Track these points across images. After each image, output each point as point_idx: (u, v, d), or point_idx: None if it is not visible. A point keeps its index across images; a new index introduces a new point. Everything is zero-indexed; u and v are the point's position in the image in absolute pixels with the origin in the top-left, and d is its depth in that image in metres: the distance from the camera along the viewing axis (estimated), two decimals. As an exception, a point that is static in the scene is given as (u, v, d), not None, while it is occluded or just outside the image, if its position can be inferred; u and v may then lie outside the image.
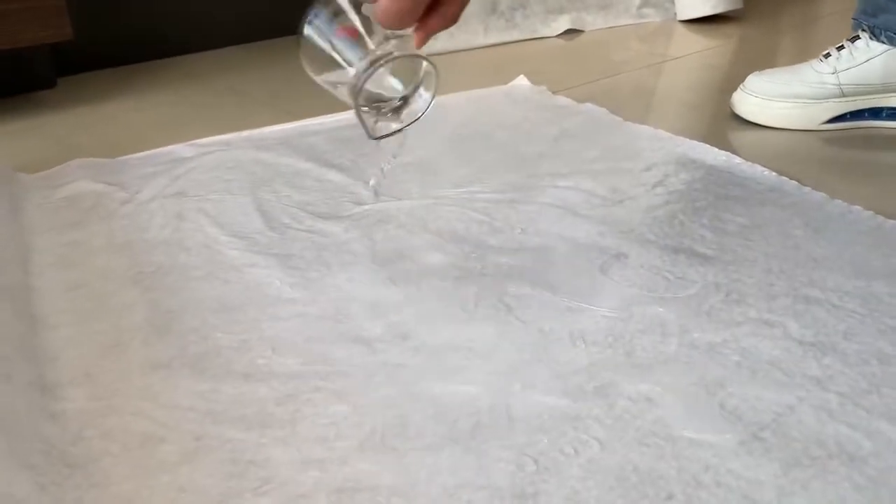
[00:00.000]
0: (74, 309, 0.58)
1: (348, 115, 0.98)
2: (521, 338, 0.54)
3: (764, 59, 1.01)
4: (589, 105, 1.00)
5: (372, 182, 0.79)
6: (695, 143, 0.86)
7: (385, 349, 0.53)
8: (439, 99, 1.00)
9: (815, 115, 0.95)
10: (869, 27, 0.93)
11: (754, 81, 0.98)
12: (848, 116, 0.95)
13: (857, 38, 0.94)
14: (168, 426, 0.46)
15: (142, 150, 0.88)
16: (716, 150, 0.84)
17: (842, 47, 0.95)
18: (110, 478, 0.43)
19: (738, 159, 0.82)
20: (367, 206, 0.74)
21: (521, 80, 1.11)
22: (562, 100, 1.03)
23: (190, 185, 0.79)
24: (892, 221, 0.68)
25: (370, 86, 0.50)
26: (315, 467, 0.43)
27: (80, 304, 0.59)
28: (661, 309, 0.56)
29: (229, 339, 0.55)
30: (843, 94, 0.94)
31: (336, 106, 1.00)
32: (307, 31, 0.51)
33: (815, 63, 0.96)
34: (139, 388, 0.50)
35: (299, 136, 0.92)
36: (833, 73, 0.94)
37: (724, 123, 0.99)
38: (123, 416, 0.47)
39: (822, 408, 0.46)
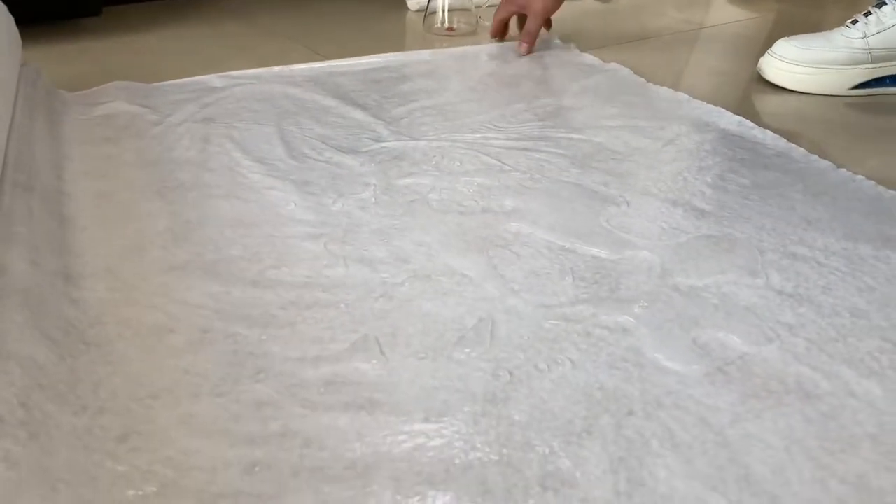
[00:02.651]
0: (102, 214, 0.63)
1: (377, 59, 1.01)
2: (512, 270, 0.57)
3: (800, 32, 1.01)
4: (614, 64, 1.02)
5: None
6: (711, 106, 0.88)
7: (385, 269, 0.57)
8: (467, 49, 1.04)
9: (844, 81, 0.96)
10: None
11: (783, 46, 0.99)
12: (872, 83, 0.96)
13: (884, 3, 0.95)
14: (178, 319, 0.50)
15: (177, 79, 0.92)
16: (730, 114, 0.85)
17: (868, 13, 0.96)
18: (122, 358, 0.47)
19: (750, 124, 0.83)
20: (384, 144, 0.77)
21: (552, 37, 1.13)
22: (589, 58, 1.05)
23: (219, 112, 0.83)
24: (892, 192, 0.69)
25: None
26: (309, 363, 0.47)
27: (107, 209, 0.63)
28: (650, 254, 0.59)
29: (242, 251, 0.58)
30: (872, 60, 0.95)
31: (366, 50, 1.03)
32: None
33: (843, 29, 0.97)
34: (155, 285, 0.54)
35: (328, 76, 0.95)
36: (863, 38, 0.95)
37: (750, 88, 1.00)
38: (138, 308, 0.51)
39: (788, 350, 0.49)
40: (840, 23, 1.01)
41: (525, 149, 0.77)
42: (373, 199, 0.67)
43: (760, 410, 0.44)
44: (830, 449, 0.41)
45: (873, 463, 0.40)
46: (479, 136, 0.80)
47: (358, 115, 0.84)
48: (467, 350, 0.48)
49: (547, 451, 0.41)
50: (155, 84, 0.90)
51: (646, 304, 0.53)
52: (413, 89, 0.92)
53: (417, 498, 0.38)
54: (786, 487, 0.39)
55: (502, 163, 0.74)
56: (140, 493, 0.37)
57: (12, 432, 0.36)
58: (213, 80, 0.91)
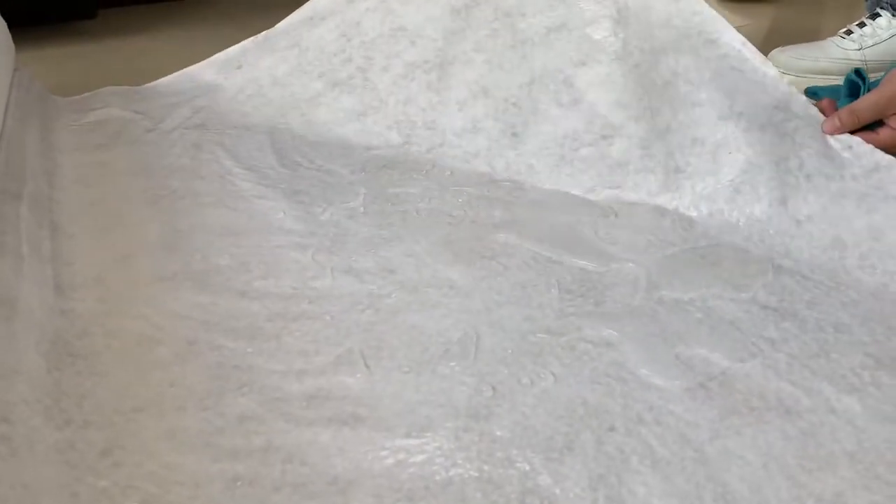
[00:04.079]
0: (92, 222, 0.63)
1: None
2: (499, 282, 0.57)
3: (793, 41, 1.01)
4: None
5: None
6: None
7: (372, 280, 0.57)
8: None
9: None
10: (890, 5, 0.95)
11: (778, 57, 0.99)
12: None
13: (878, 15, 0.96)
14: (165, 330, 0.51)
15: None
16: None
17: (863, 24, 0.97)
18: (109, 370, 0.47)
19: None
20: (375, 151, 0.77)
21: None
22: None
23: (211, 116, 0.83)
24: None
25: None
26: (293, 376, 0.47)
27: (97, 218, 0.64)
28: (637, 266, 0.59)
29: (230, 260, 0.59)
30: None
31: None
32: None
33: (837, 40, 0.97)
34: (143, 296, 0.54)
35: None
36: (859, 50, 0.96)
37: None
38: (127, 319, 0.52)
39: (770, 366, 0.49)
40: (832, 30, 1.01)
41: (521, 185, 0.77)
42: (362, 209, 0.67)
43: (740, 427, 0.44)
44: (808, 467, 0.41)
45: (850, 481, 0.41)
46: (469, 140, 0.79)
47: (360, 136, 0.83)
48: (452, 364, 0.49)
49: (527, 467, 0.41)
50: (147, 84, 0.90)
51: (632, 317, 0.53)
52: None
53: (397, 514, 0.38)
54: (763, 506, 0.39)
55: (493, 168, 0.74)
56: (121, 508, 0.38)
57: (-5, 448, 0.37)
58: (204, 72, 0.91)
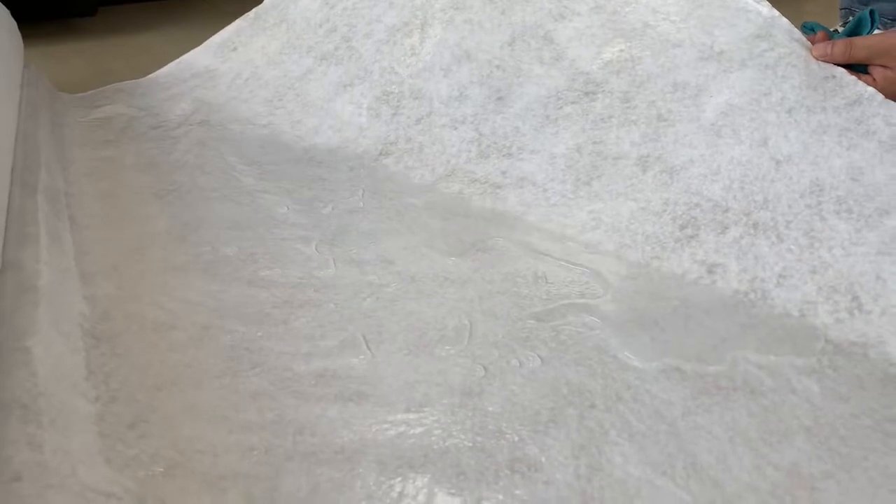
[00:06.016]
0: (104, 214, 0.67)
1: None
2: (491, 273, 0.61)
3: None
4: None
5: None
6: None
7: (373, 271, 0.61)
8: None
9: None
10: None
11: None
12: None
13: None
14: (179, 316, 0.55)
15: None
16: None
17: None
18: (129, 351, 0.51)
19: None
20: (375, 144, 0.81)
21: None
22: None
23: (212, 111, 0.86)
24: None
25: None
26: (301, 358, 0.51)
27: (109, 210, 0.67)
28: (618, 256, 0.64)
29: (237, 252, 0.63)
30: None
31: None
32: None
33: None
34: (157, 284, 0.58)
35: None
36: None
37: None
38: (143, 305, 0.56)
39: (738, 350, 0.54)
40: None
41: (509, 148, 0.81)
42: (361, 204, 0.71)
43: (709, 405, 0.49)
44: (769, 440, 0.46)
45: (806, 452, 0.45)
46: (456, 107, 0.81)
47: (350, 110, 0.87)
48: (447, 347, 0.53)
49: (516, 438, 0.45)
50: (148, 76, 0.94)
51: (613, 305, 0.58)
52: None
53: (399, 479, 0.42)
54: (727, 473, 0.44)
55: (480, 134, 0.77)
56: (150, 473, 0.41)
57: (35, 418, 0.40)
58: (202, 57, 0.94)
